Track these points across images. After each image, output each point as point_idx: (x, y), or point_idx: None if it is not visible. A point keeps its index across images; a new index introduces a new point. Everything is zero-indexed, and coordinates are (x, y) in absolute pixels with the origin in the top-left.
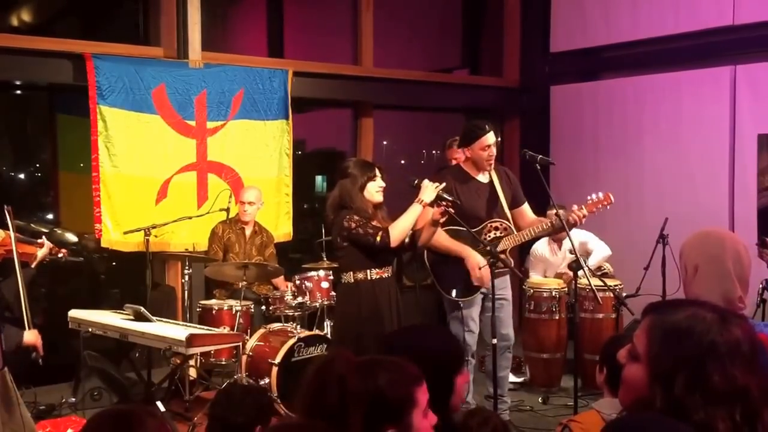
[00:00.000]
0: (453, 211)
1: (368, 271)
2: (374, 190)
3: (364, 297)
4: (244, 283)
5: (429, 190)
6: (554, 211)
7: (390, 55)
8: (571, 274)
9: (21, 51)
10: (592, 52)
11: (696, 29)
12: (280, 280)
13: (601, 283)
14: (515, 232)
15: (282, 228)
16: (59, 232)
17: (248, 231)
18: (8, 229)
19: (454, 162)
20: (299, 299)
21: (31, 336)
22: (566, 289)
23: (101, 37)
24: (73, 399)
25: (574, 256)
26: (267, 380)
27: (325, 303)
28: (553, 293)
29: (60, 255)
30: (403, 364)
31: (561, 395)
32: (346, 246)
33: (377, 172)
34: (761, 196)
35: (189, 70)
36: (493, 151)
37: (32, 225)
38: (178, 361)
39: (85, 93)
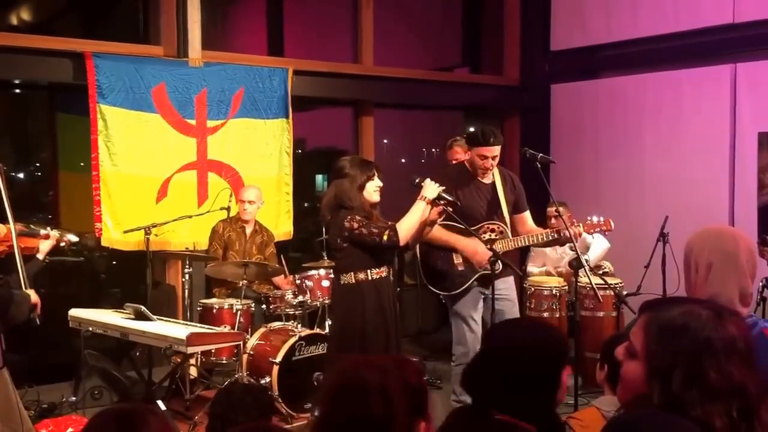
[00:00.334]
0: (451, 209)
1: (369, 270)
2: (372, 190)
3: (366, 297)
4: (245, 281)
5: (431, 187)
6: (554, 208)
7: (390, 53)
8: (571, 271)
9: (21, 50)
10: (593, 51)
11: (696, 27)
12: (280, 279)
13: (602, 282)
14: (510, 237)
15: (282, 227)
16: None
17: (249, 230)
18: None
19: (454, 162)
20: (300, 298)
21: (34, 295)
22: (567, 287)
23: (101, 35)
24: (74, 398)
25: (573, 252)
26: (268, 379)
27: (326, 302)
28: (554, 291)
29: (63, 243)
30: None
31: None
32: (346, 246)
33: (375, 171)
34: (761, 194)
35: (189, 69)
36: (490, 163)
37: (31, 225)
38: (179, 360)
39: (85, 92)
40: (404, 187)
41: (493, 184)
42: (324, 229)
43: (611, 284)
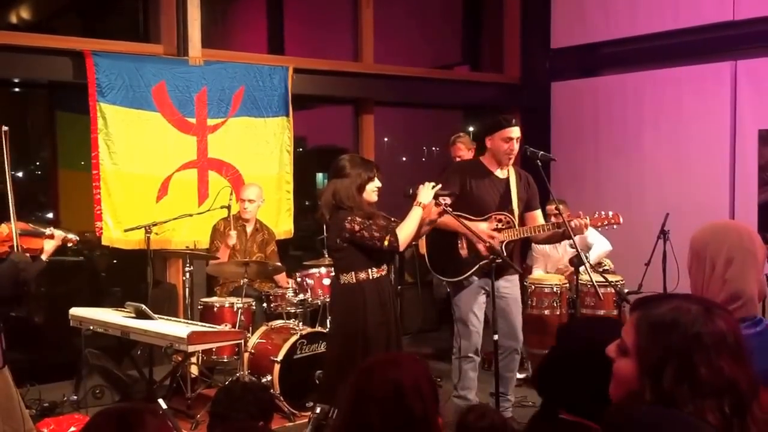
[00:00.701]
0: (449, 201)
1: (369, 270)
2: (371, 190)
3: (367, 296)
4: (246, 280)
5: (426, 191)
6: (554, 205)
7: (390, 51)
8: (572, 269)
9: (21, 48)
10: (593, 48)
11: (696, 24)
12: (281, 277)
13: (602, 279)
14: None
15: (283, 225)
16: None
17: (249, 228)
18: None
19: (457, 159)
20: (301, 296)
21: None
22: (567, 284)
23: (101, 34)
24: (75, 397)
25: (574, 250)
26: (269, 377)
27: (327, 300)
28: (555, 289)
29: (69, 244)
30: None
31: None
32: (345, 247)
33: (375, 171)
34: (762, 192)
35: (189, 68)
36: (515, 146)
37: (31, 225)
38: (180, 359)
39: (85, 90)
40: (404, 187)
41: (508, 179)
42: (325, 228)
43: (612, 282)
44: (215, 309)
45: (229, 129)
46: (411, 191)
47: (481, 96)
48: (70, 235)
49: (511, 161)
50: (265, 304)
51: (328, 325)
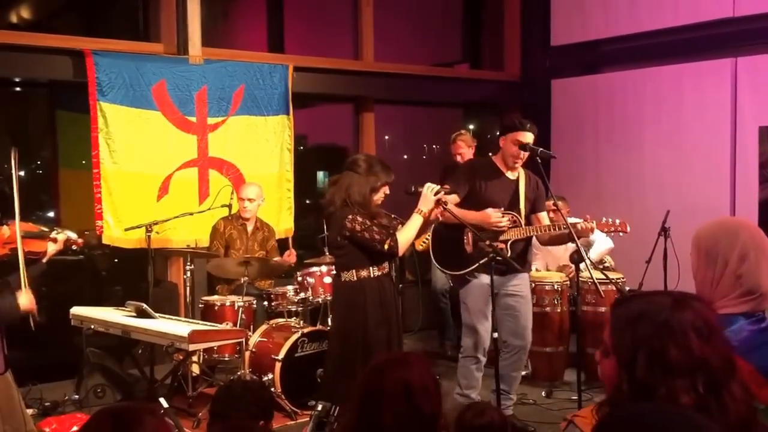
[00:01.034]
0: (447, 198)
1: (371, 268)
2: (381, 196)
3: (368, 294)
4: (246, 279)
5: (428, 199)
6: (551, 201)
7: (390, 49)
8: (573, 267)
9: (21, 48)
10: (593, 46)
11: (696, 21)
12: (285, 257)
13: (603, 276)
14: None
15: (284, 223)
16: (55, 230)
17: (250, 227)
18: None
19: (458, 157)
20: (302, 295)
21: (29, 301)
22: (568, 282)
23: (101, 33)
24: (77, 396)
25: (574, 246)
26: (270, 376)
27: (328, 298)
28: (556, 286)
29: (74, 246)
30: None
31: (564, 389)
32: (346, 244)
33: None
34: (762, 188)
35: (189, 66)
36: (522, 154)
37: (34, 224)
38: (181, 358)
39: (85, 89)
40: (404, 186)
41: (517, 181)
42: (325, 224)
43: (613, 279)
44: (216, 307)
45: (230, 128)
46: (413, 188)
47: (482, 94)
48: (74, 236)
49: (517, 165)
50: (266, 303)
51: (329, 324)
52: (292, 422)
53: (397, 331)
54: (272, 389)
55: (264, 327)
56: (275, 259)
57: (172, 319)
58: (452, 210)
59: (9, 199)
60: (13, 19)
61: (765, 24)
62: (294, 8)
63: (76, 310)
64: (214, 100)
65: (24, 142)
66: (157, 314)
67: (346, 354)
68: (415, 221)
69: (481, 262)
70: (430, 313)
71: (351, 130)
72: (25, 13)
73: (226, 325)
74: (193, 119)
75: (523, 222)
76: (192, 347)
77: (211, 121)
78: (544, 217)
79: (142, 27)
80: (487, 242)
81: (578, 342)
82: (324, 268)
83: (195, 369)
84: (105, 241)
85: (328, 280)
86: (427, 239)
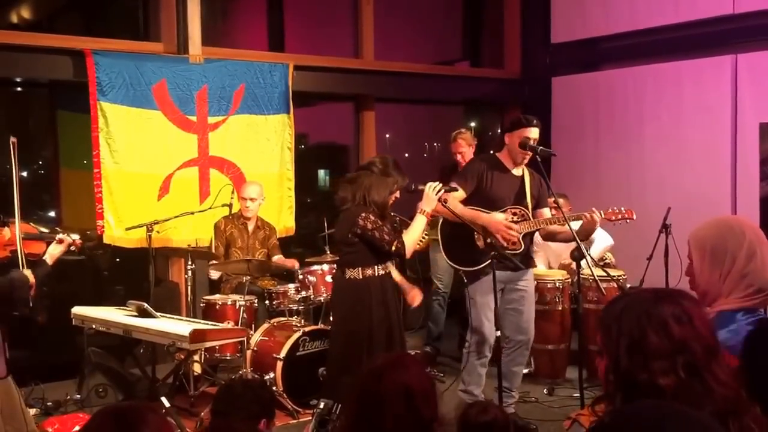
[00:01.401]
0: (446, 194)
1: (376, 267)
2: (392, 199)
3: (372, 292)
4: (248, 278)
5: (431, 199)
6: (552, 199)
7: (391, 48)
8: (574, 264)
9: (21, 48)
10: (593, 43)
11: (696, 18)
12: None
13: (604, 274)
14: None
15: (284, 222)
16: (60, 231)
17: (251, 226)
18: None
19: (459, 155)
20: (303, 293)
21: (31, 277)
22: (570, 279)
23: (101, 33)
24: (78, 395)
25: (575, 242)
26: (272, 375)
27: (329, 297)
28: (557, 284)
29: (73, 248)
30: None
31: (566, 386)
32: (356, 242)
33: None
34: (763, 185)
35: (189, 66)
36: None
37: (33, 225)
38: (183, 357)
39: (86, 89)
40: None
41: (523, 177)
42: (326, 222)
43: (614, 276)
44: (217, 307)
45: (230, 127)
46: (413, 187)
47: (482, 91)
48: (77, 238)
49: (525, 161)
50: (267, 302)
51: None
52: (294, 421)
53: (399, 330)
54: (274, 388)
55: (265, 326)
56: (276, 257)
57: (173, 318)
58: (451, 207)
59: (9, 196)
60: (14, 19)
61: (765, 20)
62: (294, 7)
63: (78, 310)
64: (214, 99)
65: (25, 142)
66: (158, 314)
67: (350, 352)
68: (420, 222)
69: (492, 255)
70: (429, 310)
71: (351, 128)
72: (26, 13)
73: (228, 324)
74: (194, 118)
75: (530, 216)
76: (193, 346)
77: (211, 120)
78: (546, 213)
79: (142, 27)
80: (489, 240)
81: (580, 339)
82: (325, 267)
83: (196, 368)
84: (106, 240)
85: (329, 278)
86: (425, 237)
